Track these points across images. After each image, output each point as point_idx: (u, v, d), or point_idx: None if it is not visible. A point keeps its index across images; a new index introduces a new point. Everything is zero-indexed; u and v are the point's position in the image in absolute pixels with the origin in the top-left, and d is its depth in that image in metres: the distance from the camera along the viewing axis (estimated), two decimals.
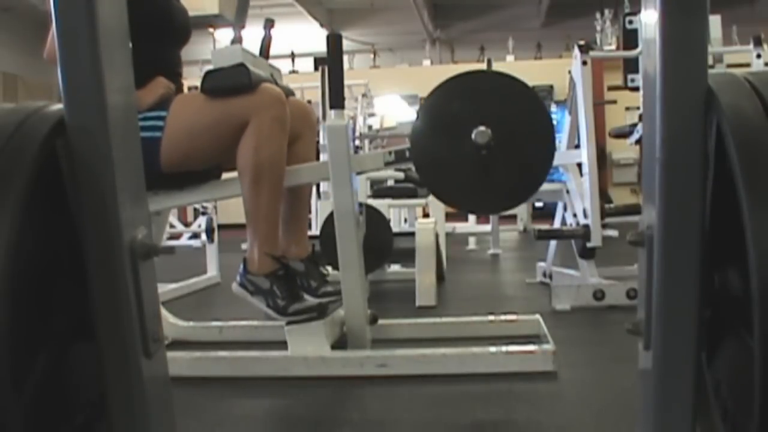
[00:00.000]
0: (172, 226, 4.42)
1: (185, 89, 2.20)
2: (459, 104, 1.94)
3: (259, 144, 1.88)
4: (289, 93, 2.12)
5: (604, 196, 4.43)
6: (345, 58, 2.25)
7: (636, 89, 3.38)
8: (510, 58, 11.13)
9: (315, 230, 3.86)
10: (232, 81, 1.89)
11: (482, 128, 1.85)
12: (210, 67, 1.93)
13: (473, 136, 1.86)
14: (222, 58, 1.91)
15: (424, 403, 1.75)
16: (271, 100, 1.91)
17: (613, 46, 9.94)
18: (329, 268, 2.22)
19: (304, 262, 2.10)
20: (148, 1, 1.99)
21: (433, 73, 11.52)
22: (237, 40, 2.38)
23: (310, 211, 2.35)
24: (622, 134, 4.04)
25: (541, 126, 1.94)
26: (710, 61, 2.95)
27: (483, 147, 1.85)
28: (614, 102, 6.19)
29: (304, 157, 2.12)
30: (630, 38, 3.40)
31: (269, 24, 2.13)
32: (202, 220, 4.86)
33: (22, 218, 0.82)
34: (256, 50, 2.16)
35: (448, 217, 4.99)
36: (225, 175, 2.13)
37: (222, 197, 2.16)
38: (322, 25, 11.97)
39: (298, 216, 2.18)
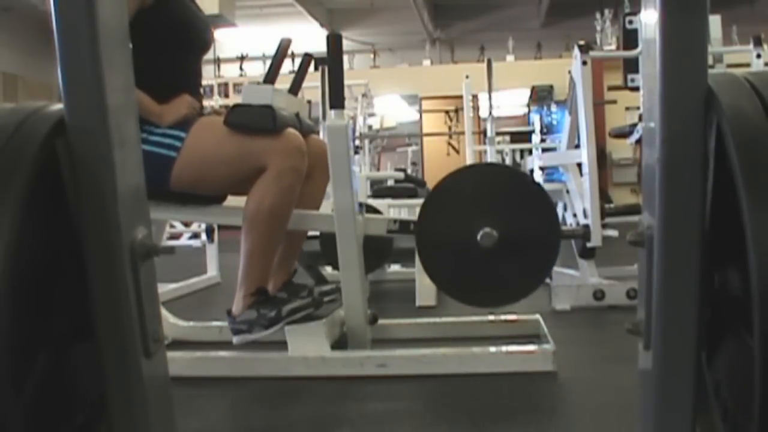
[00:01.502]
0: (172, 226, 4.41)
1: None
2: (468, 201, 1.97)
3: (274, 193, 1.87)
4: (310, 131, 2.12)
5: (604, 196, 4.43)
6: (345, 58, 2.25)
7: (636, 89, 3.38)
8: (510, 58, 11.13)
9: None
10: (256, 121, 1.88)
11: (488, 230, 1.87)
12: (239, 101, 1.93)
13: (479, 237, 1.88)
14: (252, 96, 1.91)
15: (424, 403, 1.75)
16: (292, 150, 1.90)
17: (613, 46, 9.95)
18: (329, 268, 2.21)
19: (285, 287, 2.06)
20: (173, 14, 1.98)
21: (433, 73, 11.53)
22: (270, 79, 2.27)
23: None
24: (622, 134, 4.04)
25: (547, 229, 1.94)
26: (710, 61, 2.95)
27: (488, 249, 1.87)
28: (614, 102, 6.20)
29: (311, 196, 2.11)
30: (630, 38, 3.40)
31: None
32: None
33: (22, 218, 0.82)
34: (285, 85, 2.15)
35: None
36: (230, 198, 2.13)
37: (221, 223, 2.18)
38: (322, 25, 11.97)
39: (290, 255, 2.15)
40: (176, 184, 1.91)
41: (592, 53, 3.07)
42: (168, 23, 1.96)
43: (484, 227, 1.88)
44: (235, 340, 1.95)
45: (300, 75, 2.28)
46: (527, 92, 10.92)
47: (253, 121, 1.88)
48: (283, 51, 2.06)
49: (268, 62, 2.09)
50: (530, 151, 6.83)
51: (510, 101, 10.72)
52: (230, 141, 1.90)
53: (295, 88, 2.22)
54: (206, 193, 2.02)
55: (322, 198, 2.20)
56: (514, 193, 1.97)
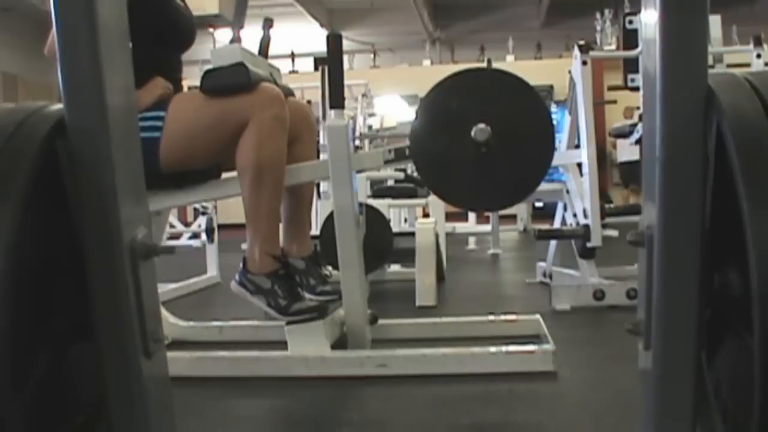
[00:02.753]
0: (172, 226, 4.42)
1: (185, 89, 2.20)
2: (458, 102, 1.93)
3: (259, 143, 1.88)
4: (288, 93, 2.12)
5: (604, 196, 4.44)
6: (345, 58, 2.24)
7: (636, 89, 3.38)
8: (510, 58, 11.14)
9: (315, 230, 3.86)
10: (231, 80, 1.88)
11: (482, 126, 1.85)
12: (209, 66, 1.93)
13: (473, 133, 1.86)
14: (221, 58, 1.91)
15: (424, 404, 1.75)
16: (271, 99, 1.91)
17: (613, 46, 9.95)
18: (330, 269, 2.21)
19: (305, 260, 2.10)
20: (154, 6, 1.99)
21: (433, 73, 11.45)
22: (236, 39, 2.37)
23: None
24: (622, 134, 4.04)
25: (540, 124, 1.93)
26: (710, 61, 2.95)
27: (482, 144, 1.85)
28: (614, 102, 6.20)
29: (303, 158, 2.11)
30: (630, 38, 3.40)
31: (268, 23, 2.12)
32: (202, 220, 4.86)
33: (22, 218, 0.82)
34: (255, 49, 2.16)
35: (448, 217, 4.99)
36: (225, 175, 2.13)
37: (221, 197, 2.15)
38: (322, 25, 11.97)
39: (301, 216, 2.18)
40: (167, 165, 1.91)
41: (592, 53, 3.08)
42: (151, 18, 1.96)
43: (478, 123, 1.86)
44: (234, 285, 1.97)
45: (265, 37, 2.29)
46: None
47: (226, 80, 1.88)
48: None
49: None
50: None
51: None
52: (209, 106, 1.91)
53: (262, 49, 2.23)
54: (197, 166, 2.01)
55: (313, 157, 2.21)
56: (503, 91, 1.94)
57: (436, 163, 1.96)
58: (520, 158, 1.93)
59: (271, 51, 2.34)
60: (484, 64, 4.88)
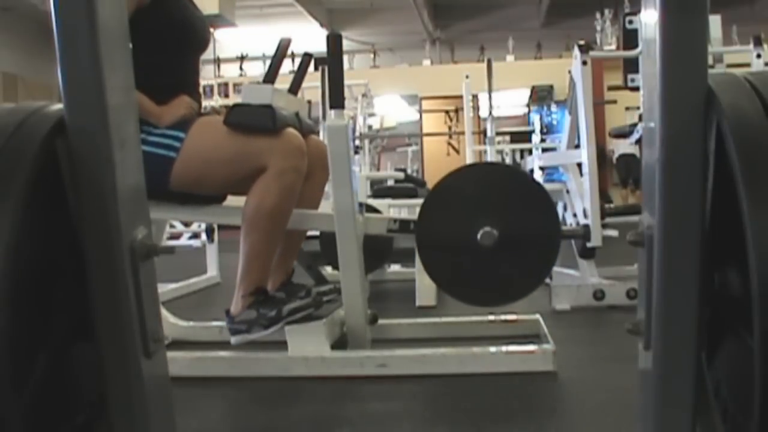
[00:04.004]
0: (172, 226, 4.41)
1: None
2: (468, 200, 1.97)
3: (273, 192, 1.86)
4: (310, 131, 2.12)
5: (604, 196, 4.44)
6: (345, 58, 2.24)
7: (636, 89, 3.38)
8: (510, 58, 11.14)
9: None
10: (255, 121, 1.87)
11: (488, 229, 1.87)
12: (239, 100, 1.93)
13: (479, 236, 1.88)
14: (252, 95, 1.91)
15: (423, 403, 1.75)
16: (292, 149, 1.90)
17: (613, 46, 9.95)
18: (329, 269, 2.21)
19: (285, 287, 2.06)
20: (170, 14, 1.98)
21: (433, 73, 11.53)
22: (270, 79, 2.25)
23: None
24: (622, 134, 4.04)
25: (548, 228, 1.94)
26: (710, 61, 2.95)
27: (488, 248, 1.87)
28: (614, 102, 6.20)
29: (311, 197, 2.10)
30: (630, 38, 3.39)
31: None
32: None
33: (22, 218, 0.82)
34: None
35: None
36: (230, 198, 2.13)
37: (222, 222, 2.18)
38: (322, 25, 11.97)
39: (289, 254, 2.14)
40: (176, 184, 1.91)
41: (592, 53, 3.07)
42: (166, 23, 1.95)
43: (485, 226, 1.88)
44: (234, 340, 1.95)
45: (300, 74, 2.28)
46: (527, 92, 10.93)
47: (252, 120, 1.88)
48: (282, 50, 2.06)
49: (268, 62, 2.09)
50: (530, 151, 6.84)
51: (510, 101, 10.72)
52: (230, 141, 1.90)
53: (294, 87, 2.22)
54: (206, 192, 2.02)
55: (320, 198, 2.20)
56: (514, 193, 1.97)
57: (439, 252, 1.99)
58: (525, 260, 1.94)
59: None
60: (485, 65, 4.88)
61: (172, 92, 1.97)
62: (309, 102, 4.57)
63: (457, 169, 2.04)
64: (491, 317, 2.40)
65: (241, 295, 1.93)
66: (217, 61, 11.09)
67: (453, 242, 1.95)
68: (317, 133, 2.27)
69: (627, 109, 7.68)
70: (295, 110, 2.06)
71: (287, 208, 1.92)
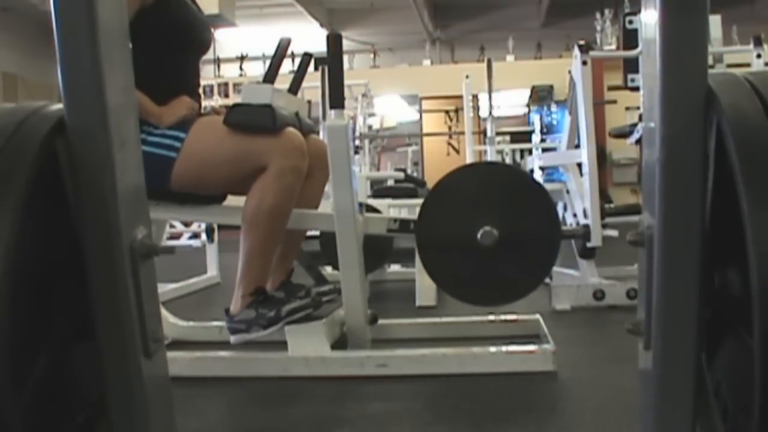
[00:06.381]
0: (172, 226, 4.41)
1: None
2: (468, 199, 1.97)
3: (272, 192, 1.86)
4: (310, 130, 2.12)
5: (604, 196, 4.43)
6: (345, 58, 2.24)
7: (636, 89, 3.38)
8: (510, 58, 11.14)
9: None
10: (255, 120, 1.87)
11: (488, 229, 1.87)
12: (239, 100, 1.93)
13: (479, 236, 1.88)
14: (252, 95, 1.91)
15: (424, 403, 1.75)
16: (292, 149, 1.90)
17: (613, 46, 9.95)
18: (329, 269, 2.21)
19: (284, 287, 2.05)
20: (172, 15, 1.97)
21: (433, 73, 11.53)
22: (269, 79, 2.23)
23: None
24: (622, 134, 4.04)
25: (548, 228, 1.94)
26: (710, 61, 2.95)
27: (488, 247, 1.88)
28: (614, 102, 6.19)
29: (311, 196, 2.10)
30: (630, 38, 3.40)
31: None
32: None
33: (22, 218, 0.82)
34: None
35: None
36: (230, 198, 2.12)
37: (221, 222, 2.19)
38: (322, 25, 11.98)
39: (288, 254, 2.14)
40: (176, 184, 1.91)
41: (592, 53, 3.07)
42: (168, 24, 1.95)
43: (484, 226, 1.89)
44: (233, 339, 1.95)
45: (300, 74, 2.28)
46: (527, 92, 10.93)
47: (252, 120, 1.88)
48: (282, 50, 2.06)
49: (268, 62, 2.09)
50: (530, 151, 6.84)
51: (510, 101, 10.73)
52: (230, 140, 1.90)
53: (294, 87, 2.22)
54: (206, 192, 2.02)
55: (320, 197, 2.20)
56: (514, 192, 1.97)
57: (440, 258, 2.00)
58: (525, 260, 1.94)
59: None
60: (485, 65, 4.88)
61: (172, 93, 1.97)
62: (309, 102, 4.56)
63: (457, 169, 2.04)
64: (491, 317, 2.40)
65: (240, 294, 1.94)
66: (217, 61, 11.09)
67: (453, 242, 1.95)
68: (317, 133, 2.27)
69: (627, 109, 7.68)
70: (295, 110, 2.06)
71: (287, 207, 1.92)
